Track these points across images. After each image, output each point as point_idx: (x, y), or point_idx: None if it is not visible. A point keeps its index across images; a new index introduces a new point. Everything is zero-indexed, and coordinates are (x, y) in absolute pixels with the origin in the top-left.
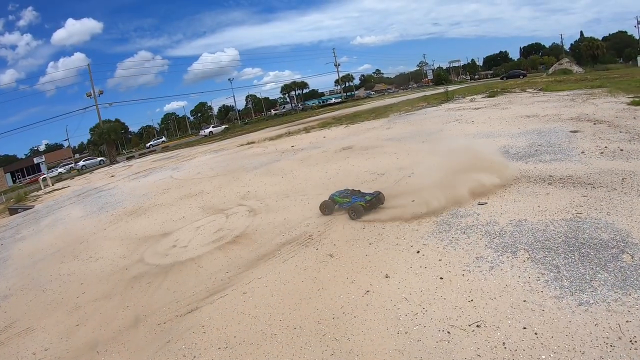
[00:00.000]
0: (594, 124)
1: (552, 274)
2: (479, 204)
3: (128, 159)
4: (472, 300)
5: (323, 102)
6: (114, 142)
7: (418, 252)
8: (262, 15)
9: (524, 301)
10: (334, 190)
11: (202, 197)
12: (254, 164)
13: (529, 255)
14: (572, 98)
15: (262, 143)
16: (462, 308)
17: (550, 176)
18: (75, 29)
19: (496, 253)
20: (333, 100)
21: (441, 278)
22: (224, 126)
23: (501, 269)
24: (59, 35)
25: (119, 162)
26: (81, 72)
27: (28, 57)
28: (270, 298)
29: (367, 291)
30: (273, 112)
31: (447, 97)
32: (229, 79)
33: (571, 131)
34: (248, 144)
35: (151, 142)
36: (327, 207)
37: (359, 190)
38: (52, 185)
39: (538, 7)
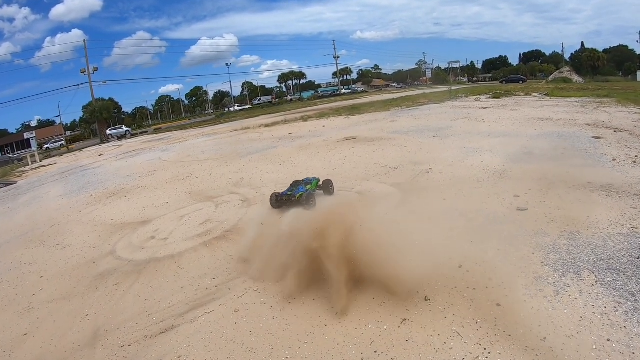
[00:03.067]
0: (615, 131)
1: (629, 303)
2: (518, 209)
3: (119, 138)
4: (545, 338)
5: (333, 92)
6: (105, 121)
7: (460, 267)
8: (264, 3)
9: (608, 340)
10: (338, 181)
11: (190, 182)
12: (249, 149)
13: (596, 277)
14: (582, 105)
15: (257, 129)
16: (536, 349)
17: (589, 183)
18: (75, 5)
19: (557, 273)
20: (343, 90)
21: (498, 304)
22: (247, 106)
23: (569, 295)
24: (58, 11)
25: (109, 142)
26: (77, 49)
27: (25, 30)
28: (271, 321)
29: (404, 319)
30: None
31: (450, 96)
32: (227, 64)
33: (593, 137)
34: (243, 129)
35: (110, 132)
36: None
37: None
38: (40, 161)
39: (540, 14)
